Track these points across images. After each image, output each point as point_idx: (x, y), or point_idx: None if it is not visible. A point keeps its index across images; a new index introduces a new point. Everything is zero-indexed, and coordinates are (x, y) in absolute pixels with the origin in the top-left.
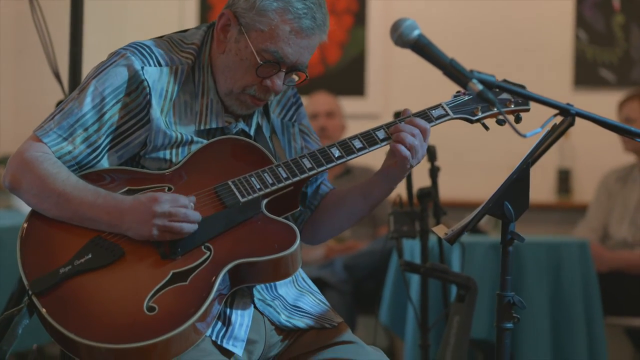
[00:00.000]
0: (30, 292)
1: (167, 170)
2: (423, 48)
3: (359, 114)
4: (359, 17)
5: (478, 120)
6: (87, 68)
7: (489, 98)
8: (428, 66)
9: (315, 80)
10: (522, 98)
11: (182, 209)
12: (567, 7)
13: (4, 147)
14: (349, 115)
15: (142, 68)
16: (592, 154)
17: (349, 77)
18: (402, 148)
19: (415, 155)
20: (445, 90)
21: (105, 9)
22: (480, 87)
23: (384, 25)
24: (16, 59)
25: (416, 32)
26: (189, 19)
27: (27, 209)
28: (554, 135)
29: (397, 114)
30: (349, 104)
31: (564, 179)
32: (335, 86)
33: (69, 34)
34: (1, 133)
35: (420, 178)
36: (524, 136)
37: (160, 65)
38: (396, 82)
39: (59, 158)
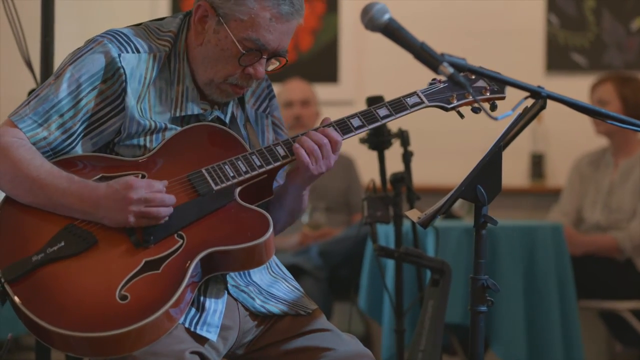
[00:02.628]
0: (2, 280)
1: (140, 157)
2: (393, 32)
3: (332, 100)
4: (331, 3)
5: (453, 108)
6: (59, 57)
7: (459, 81)
8: (401, 52)
9: (288, 67)
10: (492, 81)
11: (158, 194)
12: None
13: None
14: (322, 102)
15: (119, 55)
16: (565, 138)
17: (321, 64)
18: (303, 154)
19: (315, 163)
20: (418, 76)
21: None
22: (451, 70)
23: (356, 11)
24: None
25: (386, 16)
26: (161, 7)
27: (0, 196)
28: (525, 118)
29: (371, 100)
30: (322, 91)
31: (537, 163)
32: (308, 73)
33: (41, 23)
34: None
35: (394, 163)
36: (495, 119)
37: (138, 51)
38: (369, 68)
39: (34, 144)
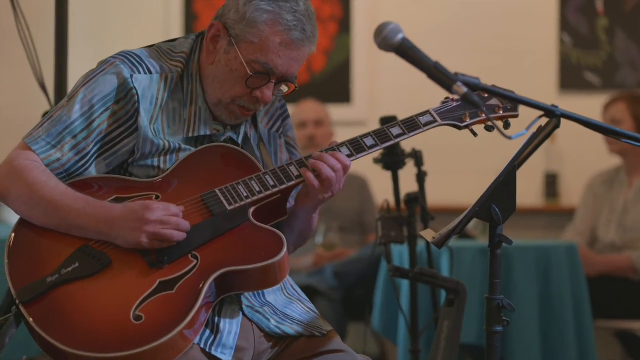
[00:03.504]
0: (17, 301)
1: (154, 178)
2: (407, 51)
3: (345, 120)
4: (344, 24)
5: (466, 127)
6: (72, 79)
7: (473, 100)
8: (414, 72)
9: (301, 88)
10: (506, 100)
11: (173, 217)
12: (551, 11)
13: None
14: (335, 123)
15: (132, 76)
16: (579, 157)
17: (334, 85)
18: (312, 178)
19: (330, 188)
20: (431, 95)
21: (90, 20)
22: (464, 89)
23: (369, 31)
24: (0, 71)
25: (400, 36)
26: (174, 29)
27: (14, 222)
28: (539, 137)
29: (384, 120)
30: (335, 111)
31: (551, 183)
32: (321, 94)
33: (54, 45)
34: None
35: (408, 183)
36: (509, 138)
37: (150, 72)
38: (382, 89)
39: (48, 166)
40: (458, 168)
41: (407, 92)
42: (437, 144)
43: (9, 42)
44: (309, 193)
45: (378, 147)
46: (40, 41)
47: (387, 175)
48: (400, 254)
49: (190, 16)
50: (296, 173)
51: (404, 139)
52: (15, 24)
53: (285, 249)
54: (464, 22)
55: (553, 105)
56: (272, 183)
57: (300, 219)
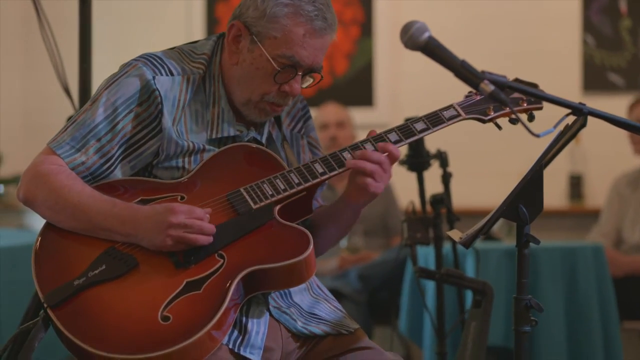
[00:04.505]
0: (45, 305)
1: (179, 179)
2: (433, 50)
3: (368, 124)
4: (366, 28)
5: (490, 120)
6: (96, 84)
7: (501, 98)
8: (436, 75)
9: (323, 91)
10: (534, 97)
11: (197, 221)
12: (574, 12)
13: (13, 166)
14: (358, 126)
15: (154, 78)
16: (603, 158)
17: (357, 88)
18: (363, 177)
19: (378, 182)
20: (453, 98)
21: (113, 27)
22: (492, 87)
23: (391, 35)
24: (25, 76)
25: (426, 34)
26: (196, 33)
27: (39, 228)
28: (566, 136)
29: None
30: (358, 115)
31: (576, 184)
32: (343, 97)
33: (78, 50)
34: (11, 152)
35: (433, 184)
36: (537, 136)
37: (172, 74)
38: (404, 91)
39: (73, 169)
40: (482, 170)
41: (429, 95)
42: (460, 146)
43: (33, 47)
44: (360, 189)
45: (403, 143)
46: (64, 46)
47: (412, 176)
48: (425, 256)
49: (212, 20)
50: (321, 170)
51: (428, 134)
52: (39, 29)
53: (311, 247)
54: (486, 24)
55: (580, 103)
56: (297, 181)
57: (348, 214)
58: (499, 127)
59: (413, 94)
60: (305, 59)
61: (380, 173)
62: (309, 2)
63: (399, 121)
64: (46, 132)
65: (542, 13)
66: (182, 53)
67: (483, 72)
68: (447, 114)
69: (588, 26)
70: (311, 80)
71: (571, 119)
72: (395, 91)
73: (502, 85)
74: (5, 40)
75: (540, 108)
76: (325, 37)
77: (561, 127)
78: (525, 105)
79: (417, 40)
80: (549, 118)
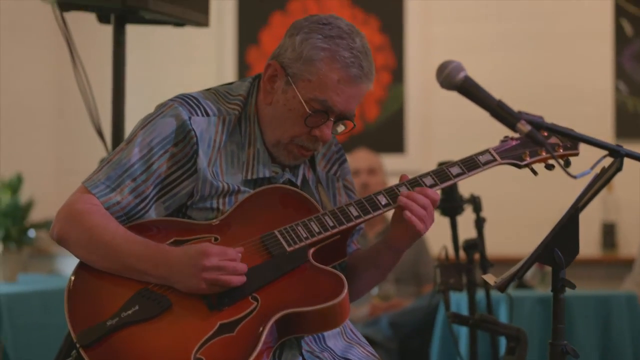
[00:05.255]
0: (77, 345)
1: (213, 220)
2: (470, 89)
3: (399, 170)
4: (397, 74)
5: (527, 165)
6: (129, 127)
7: (538, 139)
8: (467, 121)
9: (354, 137)
10: (570, 140)
11: (230, 262)
12: (606, 59)
13: (45, 211)
14: (389, 172)
15: (190, 118)
16: (636, 206)
17: (388, 134)
18: (410, 220)
19: (422, 225)
20: (485, 144)
21: (146, 70)
22: (528, 127)
23: (422, 81)
24: (57, 121)
25: (462, 74)
26: (228, 79)
27: (69, 273)
28: (603, 178)
29: (442, 165)
30: (389, 161)
31: (609, 233)
32: (374, 143)
33: (112, 93)
34: (42, 196)
35: (466, 229)
36: (574, 177)
37: (207, 115)
38: (436, 138)
39: (107, 209)
40: (514, 218)
41: (460, 141)
42: (492, 194)
43: (67, 91)
44: (406, 233)
45: (438, 187)
46: (97, 89)
47: (445, 221)
48: (457, 302)
49: (243, 65)
50: (355, 214)
51: (463, 178)
52: (73, 73)
53: (345, 291)
54: (519, 71)
55: (617, 145)
56: (331, 224)
57: (389, 257)
58: (535, 173)
59: (444, 141)
60: (338, 104)
61: (425, 215)
62: (346, 49)
63: (430, 167)
64: (78, 177)
65: (574, 60)
66: (218, 94)
67: (520, 112)
68: (482, 158)
69: (620, 73)
70: (344, 127)
71: (607, 162)
72: (426, 137)
73: (538, 125)
74: (39, 84)
75: (577, 154)
76: (361, 85)
77: (597, 169)
78: (561, 151)
79: (453, 79)
80: (584, 163)
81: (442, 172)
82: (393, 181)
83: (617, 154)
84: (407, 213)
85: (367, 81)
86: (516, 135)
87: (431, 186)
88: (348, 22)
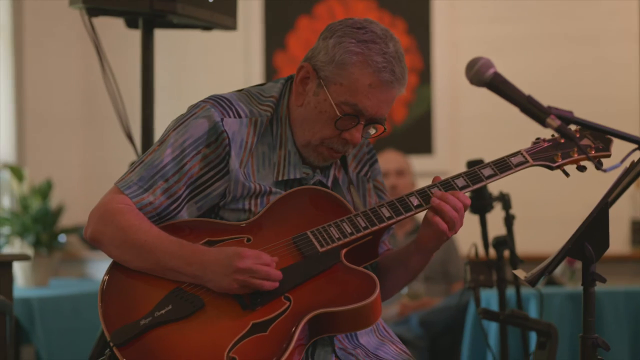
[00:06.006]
0: (111, 344)
1: (245, 221)
2: (499, 85)
3: (428, 171)
4: (424, 76)
5: (559, 167)
6: (158, 132)
7: (567, 132)
8: (494, 121)
9: (382, 139)
10: (598, 133)
11: (264, 267)
12: (633, 58)
13: (75, 216)
14: (418, 174)
15: (222, 119)
16: None
17: (416, 136)
18: (442, 222)
19: (453, 228)
20: (512, 144)
21: (174, 74)
22: (558, 122)
23: (450, 82)
24: (85, 127)
25: (492, 70)
26: (255, 77)
27: (100, 277)
28: (633, 172)
29: (471, 163)
30: (417, 162)
31: (638, 230)
32: (402, 145)
33: (141, 97)
34: (72, 202)
35: (495, 227)
36: (604, 171)
37: (239, 116)
38: (463, 139)
39: (140, 209)
40: (542, 216)
41: (488, 141)
42: (521, 192)
43: (95, 98)
44: (434, 234)
45: (469, 188)
46: (126, 95)
47: (475, 219)
48: (487, 299)
49: (270, 69)
50: (387, 215)
51: (495, 180)
52: (102, 78)
53: (377, 291)
54: (545, 72)
55: None
56: (363, 225)
57: (419, 258)
58: (567, 174)
59: (472, 141)
60: (369, 108)
61: (457, 218)
62: (379, 53)
63: (459, 168)
64: (106, 182)
65: (601, 60)
66: (250, 95)
67: (549, 107)
68: (514, 160)
69: None
70: (374, 130)
71: (636, 156)
72: (454, 138)
73: (568, 120)
74: (67, 90)
75: (609, 155)
76: (392, 90)
77: (627, 163)
78: (593, 152)
79: (483, 76)
80: (612, 160)
81: (474, 174)
82: (422, 182)
83: None
84: (436, 216)
85: (398, 86)
86: (548, 136)
87: (463, 187)
88: (383, 26)
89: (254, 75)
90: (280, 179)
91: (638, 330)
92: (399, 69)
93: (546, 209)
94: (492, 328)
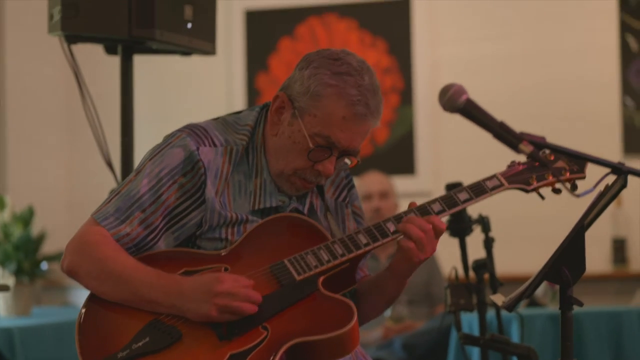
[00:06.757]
0: None
1: (223, 250)
2: (472, 111)
3: (410, 192)
4: (406, 96)
5: (534, 190)
6: (138, 157)
7: (540, 158)
8: (476, 141)
9: (364, 160)
10: (571, 158)
11: (243, 288)
12: (613, 75)
13: (57, 243)
14: (400, 194)
15: (198, 148)
16: None
17: (398, 156)
18: (410, 243)
19: (422, 250)
20: (495, 164)
21: (154, 99)
22: (531, 147)
23: (431, 102)
24: (67, 153)
25: (464, 97)
26: (237, 105)
27: (80, 304)
28: (607, 196)
29: (450, 186)
30: (399, 183)
31: (619, 248)
32: (385, 165)
33: (120, 124)
34: (55, 229)
35: (475, 250)
36: (577, 196)
37: (215, 145)
38: (446, 159)
39: (117, 240)
40: (523, 236)
41: (470, 161)
42: (501, 213)
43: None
44: (404, 258)
45: (446, 213)
46: (106, 121)
47: (454, 242)
48: (469, 322)
49: (252, 91)
50: (364, 241)
51: (471, 204)
52: (82, 105)
53: (355, 319)
54: (527, 90)
55: (619, 162)
56: (340, 252)
57: (393, 283)
58: (542, 197)
59: (455, 161)
60: (342, 141)
61: (424, 241)
62: (353, 86)
63: (441, 188)
64: (89, 209)
65: (581, 78)
66: (226, 124)
67: (522, 133)
68: (490, 183)
69: (627, 89)
70: (348, 162)
71: (611, 179)
72: (436, 158)
73: (540, 145)
74: (48, 117)
75: (583, 177)
76: (366, 123)
77: (601, 187)
78: (568, 175)
79: (456, 102)
80: (591, 179)
81: (450, 198)
82: (404, 203)
83: (620, 171)
84: (405, 239)
85: (372, 119)
86: (523, 159)
87: (439, 212)
88: (360, 58)
89: (237, 97)
90: (256, 207)
91: (619, 351)
92: (374, 102)
93: (527, 229)
94: (475, 351)
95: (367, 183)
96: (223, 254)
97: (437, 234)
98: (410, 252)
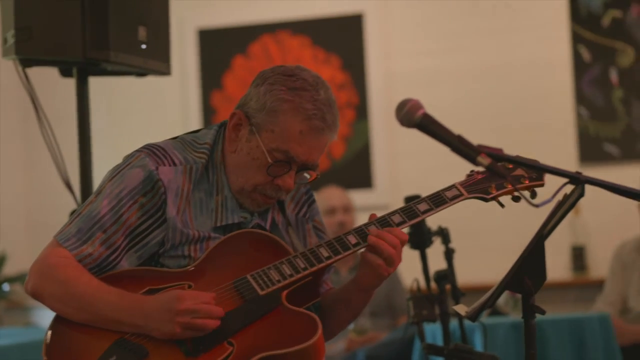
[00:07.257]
0: None
1: (186, 268)
2: (429, 126)
3: (368, 205)
4: (361, 110)
5: (493, 198)
6: (97, 178)
7: (498, 170)
8: (433, 154)
9: (322, 175)
10: (529, 169)
11: (204, 305)
12: (566, 85)
13: (18, 264)
14: (358, 208)
15: (157, 168)
16: (604, 228)
17: (355, 170)
18: (379, 259)
19: (392, 264)
20: (452, 176)
21: (112, 119)
22: (489, 160)
23: (386, 116)
24: (26, 174)
25: (421, 111)
26: (193, 123)
27: (46, 325)
28: (566, 205)
29: (409, 199)
30: (357, 197)
31: (578, 255)
32: (342, 180)
33: (78, 145)
34: (14, 250)
35: (436, 261)
36: (536, 206)
37: (174, 164)
38: (403, 172)
39: (80, 261)
40: (483, 247)
41: (428, 174)
42: (461, 224)
43: (33, 145)
44: (372, 271)
45: (406, 224)
46: (64, 142)
47: (415, 254)
48: (432, 333)
49: (208, 109)
50: (326, 254)
51: (431, 214)
52: (38, 127)
53: (319, 331)
54: (482, 103)
55: (577, 172)
56: (302, 266)
57: (360, 297)
58: (502, 205)
59: (412, 174)
60: (300, 155)
61: (394, 257)
62: (309, 100)
63: (399, 201)
64: (49, 230)
65: (535, 89)
66: (185, 143)
67: (479, 145)
68: (449, 194)
69: (581, 98)
70: (307, 176)
71: (569, 189)
72: (393, 172)
73: (498, 157)
74: (5, 139)
75: (542, 185)
76: (323, 137)
77: (559, 196)
78: (527, 182)
79: (412, 117)
80: (548, 191)
81: (410, 210)
82: (363, 216)
83: (577, 181)
84: (373, 255)
85: (329, 133)
86: (481, 169)
87: (400, 224)
88: (315, 73)
89: (192, 116)
90: (219, 224)
91: (582, 357)
92: (330, 115)
93: (487, 239)
94: None
95: (329, 198)
96: (187, 271)
97: (402, 246)
98: (380, 268)
